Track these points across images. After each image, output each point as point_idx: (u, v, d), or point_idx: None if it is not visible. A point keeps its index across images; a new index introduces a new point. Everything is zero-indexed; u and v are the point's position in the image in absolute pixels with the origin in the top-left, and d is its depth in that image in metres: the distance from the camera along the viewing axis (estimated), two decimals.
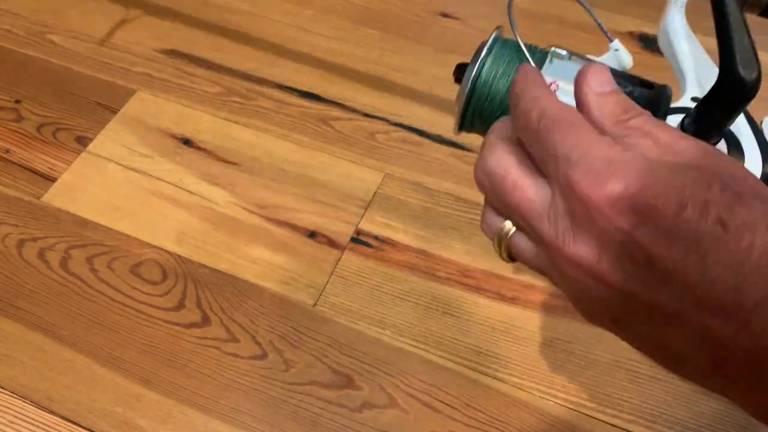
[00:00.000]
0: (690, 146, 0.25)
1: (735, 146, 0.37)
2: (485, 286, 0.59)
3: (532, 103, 0.27)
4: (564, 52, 0.34)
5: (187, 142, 0.70)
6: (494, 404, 0.53)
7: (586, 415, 0.53)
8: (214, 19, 0.82)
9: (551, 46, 0.35)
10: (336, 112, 0.73)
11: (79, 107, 0.73)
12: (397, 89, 0.75)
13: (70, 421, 0.52)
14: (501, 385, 0.54)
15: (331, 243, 0.62)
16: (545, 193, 0.26)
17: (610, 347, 0.56)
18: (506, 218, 0.29)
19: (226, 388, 0.54)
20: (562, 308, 0.58)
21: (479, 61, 0.35)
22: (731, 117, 0.33)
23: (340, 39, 0.80)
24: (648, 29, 0.81)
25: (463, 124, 0.37)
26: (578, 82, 0.28)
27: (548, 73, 0.34)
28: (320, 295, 0.59)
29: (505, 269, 0.60)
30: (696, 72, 0.39)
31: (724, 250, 0.22)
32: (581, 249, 0.24)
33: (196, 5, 0.84)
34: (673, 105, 0.36)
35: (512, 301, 0.59)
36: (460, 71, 0.36)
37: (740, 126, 0.37)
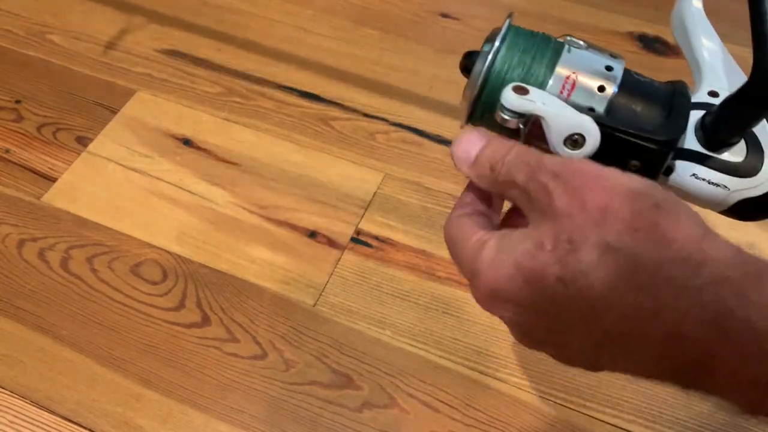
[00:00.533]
0: (557, 187, 0.26)
1: (754, 144, 0.36)
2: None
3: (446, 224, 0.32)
4: (582, 42, 0.33)
5: (187, 142, 0.70)
6: (494, 404, 0.53)
7: (586, 415, 0.53)
8: (214, 20, 0.82)
9: (565, 36, 0.34)
10: (336, 112, 0.73)
11: (79, 107, 0.73)
12: (397, 89, 0.75)
13: (71, 420, 0.52)
14: (501, 385, 0.54)
15: (331, 243, 0.62)
16: None
17: None
18: None
19: (226, 387, 0.54)
20: None
21: (494, 49, 0.32)
22: (759, 119, 0.32)
23: (340, 39, 0.81)
24: (648, 29, 0.81)
25: (473, 116, 0.35)
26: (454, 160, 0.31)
27: (566, 63, 0.33)
28: (320, 295, 0.59)
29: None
30: (713, 63, 0.37)
31: (569, 302, 0.25)
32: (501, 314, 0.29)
33: (196, 6, 0.84)
34: (697, 100, 0.35)
35: None
36: (468, 59, 0.34)
37: (760, 124, 0.36)
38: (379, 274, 0.60)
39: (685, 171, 0.33)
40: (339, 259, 0.61)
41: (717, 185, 0.33)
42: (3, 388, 0.54)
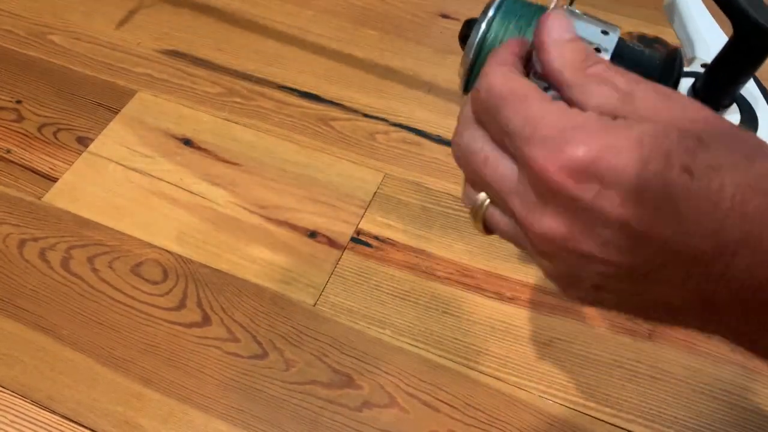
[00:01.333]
0: (648, 91, 0.24)
1: (748, 112, 0.36)
2: (485, 285, 0.60)
3: (481, 80, 0.27)
4: (578, 12, 0.32)
5: (187, 142, 0.70)
6: (494, 404, 0.53)
7: (586, 414, 0.53)
8: (214, 20, 0.83)
9: (563, 6, 0.33)
10: (336, 112, 0.73)
11: (79, 107, 0.73)
12: (397, 89, 0.75)
13: (71, 420, 0.52)
14: (501, 385, 0.54)
15: (331, 243, 0.62)
16: (513, 168, 0.26)
17: (609, 347, 0.56)
18: (481, 191, 0.28)
19: (227, 387, 0.54)
20: (562, 308, 0.58)
21: (487, 18, 0.33)
22: (743, 75, 0.33)
23: (340, 39, 0.81)
24: (647, 29, 0.81)
25: (469, 84, 0.35)
26: (537, 32, 0.27)
27: None
28: (320, 294, 0.59)
29: (505, 269, 0.60)
30: (704, 38, 0.37)
31: (695, 197, 0.22)
32: (551, 223, 0.24)
33: (196, 6, 0.84)
34: (688, 69, 0.36)
35: (512, 300, 0.59)
36: (467, 28, 0.34)
37: (753, 92, 0.36)
38: (379, 274, 0.60)
39: None
40: (339, 259, 0.61)
41: None
42: (3, 387, 0.54)
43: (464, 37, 0.34)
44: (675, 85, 0.32)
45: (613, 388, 0.54)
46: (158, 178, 0.67)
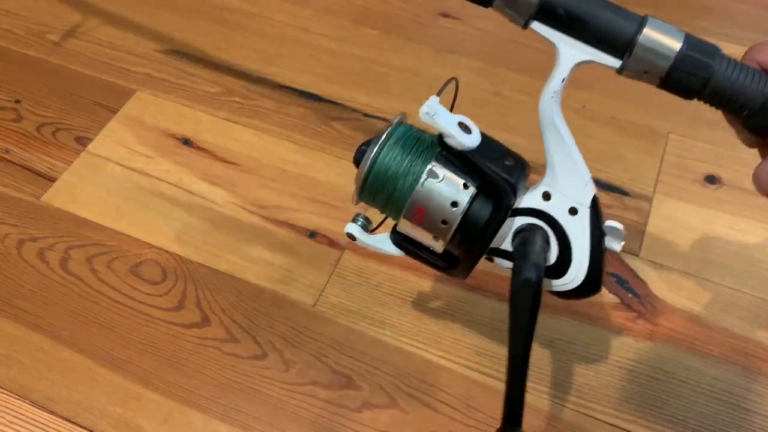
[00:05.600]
0: None
1: (565, 247, 0.40)
2: (485, 286, 0.59)
3: None
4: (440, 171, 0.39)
5: (187, 142, 0.70)
6: (494, 404, 0.53)
7: (586, 414, 0.53)
8: (214, 20, 0.82)
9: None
10: (336, 112, 0.73)
11: (78, 107, 0.73)
12: (397, 89, 0.75)
13: (70, 421, 0.52)
14: (501, 385, 0.54)
15: (331, 243, 0.62)
16: None
17: (610, 347, 0.56)
18: None
19: (226, 388, 0.54)
20: (562, 308, 0.58)
21: (377, 146, 0.40)
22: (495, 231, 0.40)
23: (340, 39, 0.80)
24: None
25: (361, 198, 0.42)
26: None
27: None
28: (320, 295, 0.59)
29: (505, 269, 0.60)
30: (555, 162, 0.40)
31: None
32: None
33: (195, 5, 0.84)
34: (529, 191, 0.41)
35: None
36: (357, 154, 0.41)
37: (579, 228, 0.40)
38: (379, 274, 0.60)
39: (503, 264, 0.42)
40: (339, 259, 0.61)
41: None
42: (2, 388, 0.54)
43: (356, 161, 0.41)
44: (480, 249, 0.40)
45: (613, 388, 0.54)
46: (157, 178, 0.67)
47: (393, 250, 0.43)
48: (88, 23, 0.82)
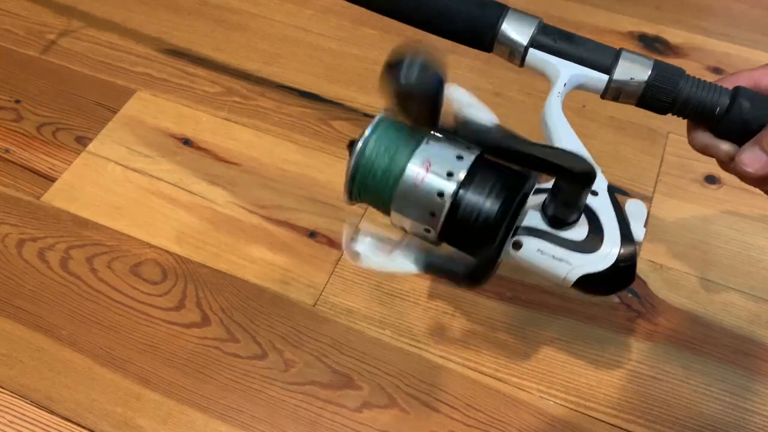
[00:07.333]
0: None
1: (595, 225, 0.40)
2: (485, 285, 0.59)
3: None
4: (441, 136, 0.40)
5: (187, 142, 0.70)
6: (494, 404, 0.53)
7: (586, 414, 0.53)
8: (214, 20, 0.82)
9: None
10: (336, 112, 0.73)
11: (78, 107, 0.73)
12: None
13: (70, 420, 0.52)
14: (501, 385, 0.54)
15: (331, 243, 0.62)
16: None
17: (610, 347, 0.56)
18: None
19: (226, 388, 0.54)
20: (562, 308, 0.58)
21: (363, 139, 0.41)
22: (578, 198, 0.38)
23: (340, 39, 0.81)
24: (648, 29, 0.81)
25: (351, 196, 0.42)
26: None
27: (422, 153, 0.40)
28: (320, 295, 0.59)
29: (505, 269, 0.60)
30: None
31: None
32: None
33: (195, 5, 0.84)
34: (543, 186, 0.41)
35: (512, 300, 0.59)
36: (351, 146, 0.42)
37: (604, 206, 0.40)
38: (379, 274, 0.60)
39: (531, 246, 0.39)
40: (339, 259, 0.61)
41: (560, 260, 0.38)
42: (2, 388, 0.54)
43: (350, 146, 0.42)
44: (520, 202, 0.39)
45: (613, 388, 0.54)
46: (157, 178, 0.67)
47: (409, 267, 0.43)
48: (88, 23, 0.82)
